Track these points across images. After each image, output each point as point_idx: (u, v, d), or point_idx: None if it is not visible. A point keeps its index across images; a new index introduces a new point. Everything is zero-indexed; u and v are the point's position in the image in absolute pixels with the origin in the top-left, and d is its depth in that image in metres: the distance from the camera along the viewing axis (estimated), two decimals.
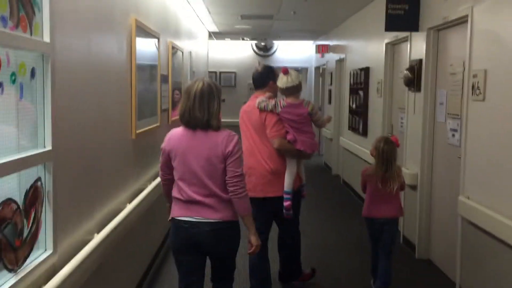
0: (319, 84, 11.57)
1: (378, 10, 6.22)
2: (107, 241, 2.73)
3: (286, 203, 3.57)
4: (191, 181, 2.64)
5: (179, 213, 2.68)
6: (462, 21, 3.92)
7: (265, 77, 3.73)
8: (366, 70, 6.80)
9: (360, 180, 3.91)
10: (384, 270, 3.75)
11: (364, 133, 6.87)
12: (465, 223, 3.72)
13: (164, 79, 4.81)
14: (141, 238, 3.93)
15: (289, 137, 3.55)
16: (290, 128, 3.55)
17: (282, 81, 3.56)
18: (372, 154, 3.79)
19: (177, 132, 2.71)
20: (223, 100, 2.97)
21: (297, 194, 3.72)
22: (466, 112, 3.75)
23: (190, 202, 2.64)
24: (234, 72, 12.52)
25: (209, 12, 7.83)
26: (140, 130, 3.74)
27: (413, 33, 4.96)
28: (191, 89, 2.65)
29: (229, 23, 9.05)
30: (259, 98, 3.59)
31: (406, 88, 5.08)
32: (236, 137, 2.68)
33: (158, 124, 4.49)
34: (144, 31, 3.88)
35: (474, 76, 3.59)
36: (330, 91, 9.77)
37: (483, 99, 3.47)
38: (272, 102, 3.55)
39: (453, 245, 4.02)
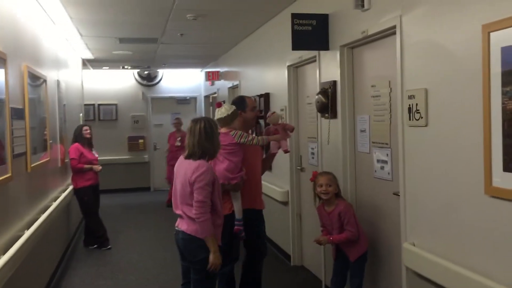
0: (210, 114, 10.77)
1: (276, 30, 5.63)
2: None
3: None
4: (175, 197, 3.29)
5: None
6: (386, 34, 3.36)
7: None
8: (266, 97, 6.11)
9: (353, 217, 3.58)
10: None
11: (270, 167, 6.11)
12: (412, 275, 3.07)
13: (17, 114, 3.63)
14: None
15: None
16: (219, 156, 3.73)
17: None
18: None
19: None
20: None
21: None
22: (402, 141, 3.14)
23: (177, 214, 3.29)
24: (115, 104, 11.28)
25: (81, 35, 6.68)
26: None
27: (322, 52, 4.36)
28: (190, 128, 3.26)
29: (106, 49, 7.91)
30: None
31: (318, 115, 4.45)
32: (202, 169, 3.10)
33: (9, 175, 3.30)
34: None
35: (411, 97, 2.99)
36: None
37: (426, 124, 2.87)
38: None
39: None
